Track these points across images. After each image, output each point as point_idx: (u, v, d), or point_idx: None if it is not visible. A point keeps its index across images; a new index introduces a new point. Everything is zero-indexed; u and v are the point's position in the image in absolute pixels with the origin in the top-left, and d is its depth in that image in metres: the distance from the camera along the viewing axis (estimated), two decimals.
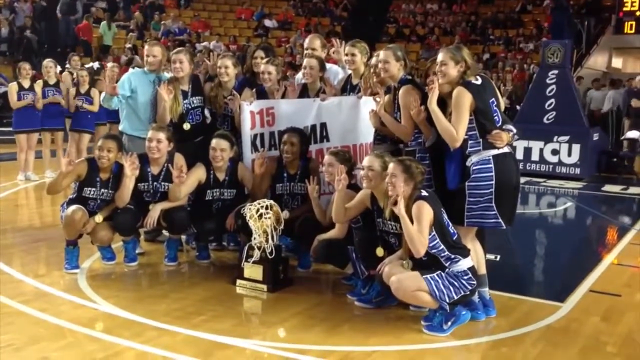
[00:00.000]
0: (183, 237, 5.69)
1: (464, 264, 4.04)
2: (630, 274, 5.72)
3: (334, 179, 4.60)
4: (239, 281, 4.80)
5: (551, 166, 11.39)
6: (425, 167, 4.22)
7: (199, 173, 5.27)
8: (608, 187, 10.80)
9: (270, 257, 4.70)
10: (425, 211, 3.96)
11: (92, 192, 5.08)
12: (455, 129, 4.12)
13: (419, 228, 3.93)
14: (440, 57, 4.25)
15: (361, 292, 4.59)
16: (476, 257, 4.28)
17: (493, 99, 4.24)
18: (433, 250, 3.98)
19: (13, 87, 9.14)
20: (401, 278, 4.03)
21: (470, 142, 4.16)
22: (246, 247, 4.80)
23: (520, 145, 11.24)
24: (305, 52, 5.74)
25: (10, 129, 9.66)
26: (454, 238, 4.06)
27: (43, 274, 5.01)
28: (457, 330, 4.04)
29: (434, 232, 3.97)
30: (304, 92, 5.56)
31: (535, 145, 11.45)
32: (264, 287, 4.70)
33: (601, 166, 12.11)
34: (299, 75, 5.79)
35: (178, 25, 19.91)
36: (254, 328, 4.25)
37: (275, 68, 5.55)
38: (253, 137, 5.49)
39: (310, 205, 4.97)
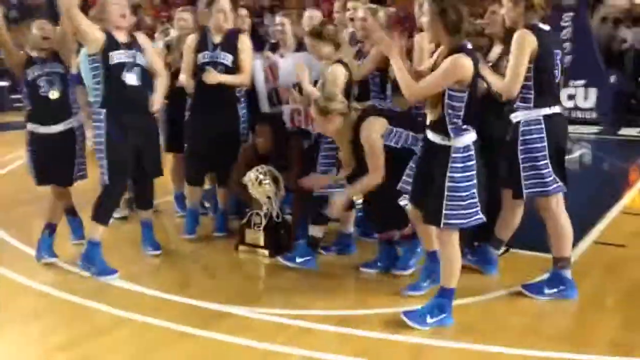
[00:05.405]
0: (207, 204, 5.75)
1: (467, 138, 3.47)
2: (639, 222, 5.61)
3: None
4: (240, 246, 4.84)
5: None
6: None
7: None
8: (625, 131, 10.58)
9: (273, 222, 4.72)
10: (459, 67, 3.30)
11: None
12: (511, 76, 3.68)
13: (434, 79, 3.35)
14: None
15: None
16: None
17: (558, 50, 3.86)
18: (449, 110, 3.41)
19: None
20: None
21: (521, 95, 3.77)
22: (249, 214, 4.82)
23: None
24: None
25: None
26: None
27: None
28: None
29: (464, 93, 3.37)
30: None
31: None
32: (266, 252, 4.73)
33: (618, 109, 11.82)
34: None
35: None
36: (255, 295, 4.22)
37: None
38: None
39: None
